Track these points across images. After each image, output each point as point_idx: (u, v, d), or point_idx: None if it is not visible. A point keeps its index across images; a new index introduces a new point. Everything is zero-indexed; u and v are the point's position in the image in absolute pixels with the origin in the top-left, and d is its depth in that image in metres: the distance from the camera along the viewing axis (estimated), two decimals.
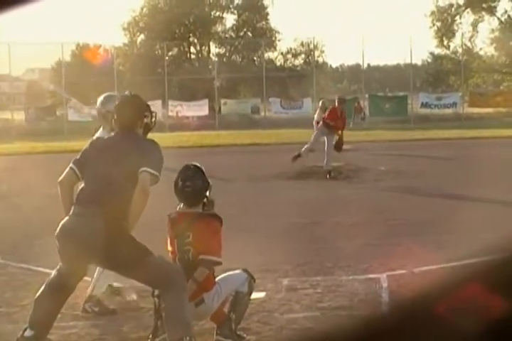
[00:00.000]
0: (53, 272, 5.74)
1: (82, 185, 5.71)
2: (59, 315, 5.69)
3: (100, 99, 7.18)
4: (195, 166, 5.78)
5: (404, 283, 7.00)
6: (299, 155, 17.74)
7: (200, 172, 5.72)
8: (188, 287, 5.36)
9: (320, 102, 24.38)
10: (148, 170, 5.42)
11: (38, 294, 5.66)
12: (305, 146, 17.55)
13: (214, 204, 5.77)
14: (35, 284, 6.42)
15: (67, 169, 5.62)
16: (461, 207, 11.53)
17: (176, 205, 5.73)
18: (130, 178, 5.45)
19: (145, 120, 5.84)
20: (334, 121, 17.33)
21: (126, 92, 6.34)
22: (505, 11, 48.48)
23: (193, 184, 5.65)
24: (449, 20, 48.86)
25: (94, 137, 6.46)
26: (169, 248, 5.65)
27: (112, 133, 6.05)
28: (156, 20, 54.26)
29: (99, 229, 5.43)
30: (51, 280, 5.70)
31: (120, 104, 5.87)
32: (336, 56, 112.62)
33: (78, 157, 5.71)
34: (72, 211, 5.51)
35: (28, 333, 5.58)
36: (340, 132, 17.49)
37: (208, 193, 5.71)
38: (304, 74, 51.12)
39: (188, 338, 5.40)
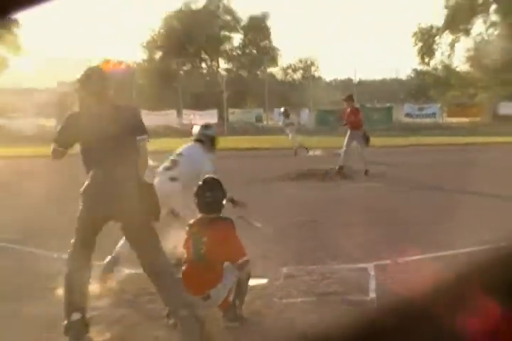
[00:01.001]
0: (67, 258, 5.68)
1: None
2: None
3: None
4: (214, 179, 5.95)
5: (388, 271, 7.01)
6: (341, 168, 16.40)
7: (218, 184, 5.86)
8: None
9: (282, 109, 24.51)
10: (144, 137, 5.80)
11: (65, 278, 5.59)
12: (341, 155, 16.66)
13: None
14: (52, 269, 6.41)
15: None
16: (442, 204, 11.54)
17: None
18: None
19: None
20: (346, 120, 16.67)
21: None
22: (479, 33, 48.88)
23: (213, 195, 5.76)
24: (430, 41, 49.05)
25: None
26: (184, 248, 5.74)
27: None
28: (172, 39, 54.43)
29: (120, 185, 5.49)
30: (70, 262, 5.64)
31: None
32: (330, 71, 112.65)
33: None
34: (91, 175, 5.50)
35: (75, 316, 5.48)
36: (359, 127, 16.53)
37: (224, 202, 5.85)
38: (301, 87, 51.22)
39: (184, 311, 5.48)
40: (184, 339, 5.50)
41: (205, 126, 8.26)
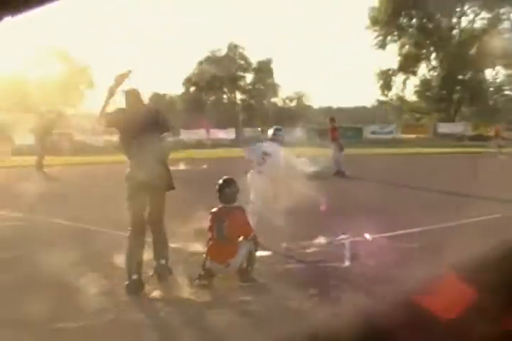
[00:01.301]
0: (128, 236, 5.68)
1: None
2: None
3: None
4: (230, 178, 5.88)
5: (360, 245, 7.00)
6: (341, 173, 16.19)
7: (234, 182, 5.83)
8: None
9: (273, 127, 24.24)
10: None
11: (128, 244, 5.61)
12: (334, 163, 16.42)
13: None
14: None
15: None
16: (396, 195, 11.43)
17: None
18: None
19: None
20: (331, 136, 16.78)
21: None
22: (423, 74, 48.78)
23: (231, 189, 5.75)
24: (388, 79, 48.60)
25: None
26: (209, 231, 5.69)
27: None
28: (203, 78, 54.70)
29: (153, 169, 5.54)
30: (132, 231, 5.66)
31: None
32: (316, 100, 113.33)
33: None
34: (130, 164, 5.58)
35: (134, 277, 5.56)
36: (336, 140, 16.57)
37: (238, 195, 5.86)
38: (295, 112, 51.19)
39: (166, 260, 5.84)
40: (157, 280, 5.62)
41: (278, 129, 8.34)
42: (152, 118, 5.87)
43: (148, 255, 5.85)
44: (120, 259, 5.87)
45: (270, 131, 8.27)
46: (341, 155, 16.67)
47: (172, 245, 6.58)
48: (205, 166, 19.76)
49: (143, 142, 5.63)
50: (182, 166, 18.55)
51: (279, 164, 7.43)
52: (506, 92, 45.73)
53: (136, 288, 5.48)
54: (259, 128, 23.82)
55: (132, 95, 5.97)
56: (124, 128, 5.71)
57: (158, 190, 5.74)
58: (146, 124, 5.72)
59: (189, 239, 7.16)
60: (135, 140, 5.64)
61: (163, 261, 5.86)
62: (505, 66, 44.67)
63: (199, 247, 6.46)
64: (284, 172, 7.57)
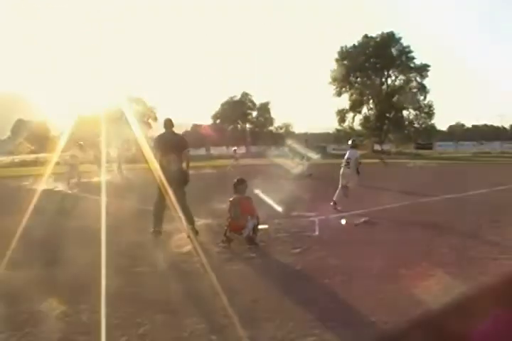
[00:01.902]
0: (154, 202, 5.61)
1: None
2: None
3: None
4: (242, 178, 5.53)
5: (324, 221, 6.79)
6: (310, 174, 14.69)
7: (244, 180, 5.48)
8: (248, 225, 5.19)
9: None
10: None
11: (153, 210, 5.61)
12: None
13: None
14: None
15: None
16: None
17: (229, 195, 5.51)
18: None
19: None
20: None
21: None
22: (365, 113, 48.34)
23: (243, 185, 5.44)
24: (343, 115, 48.02)
25: None
26: (228, 212, 5.33)
27: None
28: (224, 114, 54.74)
29: (174, 170, 5.51)
30: (155, 204, 5.63)
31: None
32: (298, 127, 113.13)
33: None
34: (161, 165, 5.44)
35: (154, 228, 5.56)
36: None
37: (246, 189, 5.47)
38: (283, 136, 51.29)
39: (190, 225, 5.50)
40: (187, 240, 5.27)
41: (354, 140, 8.41)
42: (177, 140, 5.80)
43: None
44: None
45: (350, 141, 8.13)
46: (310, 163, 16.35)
47: (204, 221, 6.38)
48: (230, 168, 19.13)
49: (170, 154, 5.58)
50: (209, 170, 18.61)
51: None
52: (415, 125, 45.75)
53: (156, 234, 5.47)
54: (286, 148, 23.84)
55: (168, 123, 5.84)
56: (162, 147, 5.65)
57: (178, 183, 5.52)
58: (173, 144, 5.67)
59: (216, 216, 6.80)
60: (166, 153, 5.58)
61: (190, 226, 5.58)
62: (414, 109, 45.67)
63: (222, 221, 5.97)
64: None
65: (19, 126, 47.12)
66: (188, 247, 5.05)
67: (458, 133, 42.00)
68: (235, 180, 5.43)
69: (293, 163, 17.58)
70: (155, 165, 5.32)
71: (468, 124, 45.16)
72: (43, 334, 2.83)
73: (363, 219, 6.53)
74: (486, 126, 45.51)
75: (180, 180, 5.49)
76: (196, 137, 44.29)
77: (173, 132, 5.81)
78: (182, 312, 3.22)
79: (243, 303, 3.32)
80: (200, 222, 6.35)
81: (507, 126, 41.14)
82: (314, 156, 17.58)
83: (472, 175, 16.40)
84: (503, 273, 2.24)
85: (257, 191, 7.19)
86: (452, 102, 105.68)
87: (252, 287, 3.76)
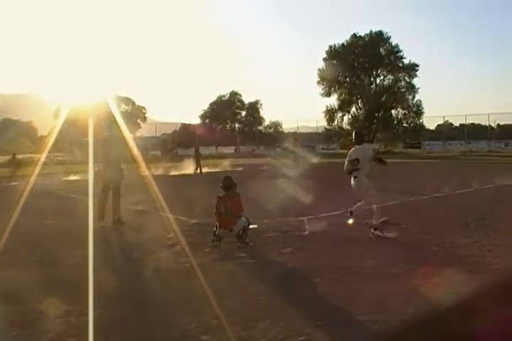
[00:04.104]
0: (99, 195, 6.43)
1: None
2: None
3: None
4: (228, 175, 5.61)
5: (313, 220, 6.82)
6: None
7: (231, 178, 5.51)
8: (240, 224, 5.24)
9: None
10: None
11: (98, 202, 6.38)
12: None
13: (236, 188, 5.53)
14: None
15: None
16: (334, 188, 10.00)
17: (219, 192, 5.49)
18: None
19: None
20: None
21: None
22: (353, 112, 48.40)
23: (230, 181, 5.46)
24: (331, 114, 48.03)
25: None
26: (215, 210, 5.31)
27: None
28: (213, 113, 54.20)
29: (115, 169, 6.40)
30: (100, 197, 6.42)
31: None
32: (286, 126, 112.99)
33: None
34: (104, 167, 6.48)
35: (100, 221, 6.20)
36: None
37: (235, 186, 5.48)
38: (274, 135, 51.28)
39: (115, 216, 6.34)
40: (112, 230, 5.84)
41: (357, 132, 6.46)
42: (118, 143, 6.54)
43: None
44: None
45: (353, 135, 6.18)
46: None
47: (193, 221, 6.47)
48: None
49: (113, 155, 6.42)
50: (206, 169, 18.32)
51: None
52: (404, 125, 45.83)
53: (100, 218, 6.19)
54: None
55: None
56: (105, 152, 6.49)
57: (116, 181, 6.42)
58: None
59: (206, 215, 6.60)
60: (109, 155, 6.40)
61: (115, 217, 6.35)
62: (402, 108, 45.81)
63: (211, 220, 5.88)
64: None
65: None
66: (178, 247, 5.04)
67: (446, 132, 42.30)
68: (223, 177, 5.51)
69: (284, 163, 17.56)
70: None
71: (456, 123, 45.46)
72: (33, 337, 2.83)
73: (382, 219, 5.65)
74: (473, 124, 45.90)
75: (117, 179, 6.22)
76: (185, 137, 43.93)
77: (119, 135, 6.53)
78: (172, 313, 3.22)
79: (234, 303, 3.32)
80: (190, 222, 6.37)
81: (494, 125, 41.96)
82: (313, 159, 18.32)
83: (460, 174, 16.41)
84: (495, 274, 2.32)
85: (247, 191, 7.21)
86: (441, 101, 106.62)
87: (242, 286, 3.76)
